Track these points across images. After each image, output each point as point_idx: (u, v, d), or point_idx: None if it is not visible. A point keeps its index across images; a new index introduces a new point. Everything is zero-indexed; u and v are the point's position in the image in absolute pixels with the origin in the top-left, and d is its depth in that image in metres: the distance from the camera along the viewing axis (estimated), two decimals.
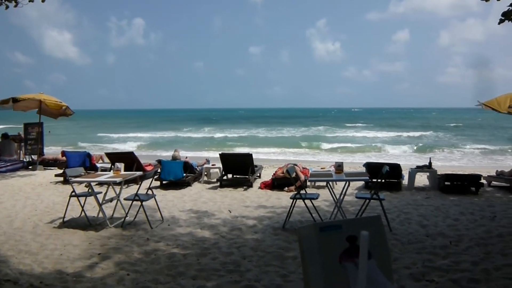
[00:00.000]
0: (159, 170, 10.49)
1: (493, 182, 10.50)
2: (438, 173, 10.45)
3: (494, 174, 10.65)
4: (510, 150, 22.87)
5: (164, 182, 10.68)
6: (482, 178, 9.92)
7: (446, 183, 9.89)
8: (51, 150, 20.87)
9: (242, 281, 4.50)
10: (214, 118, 70.00)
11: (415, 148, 24.88)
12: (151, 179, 7.49)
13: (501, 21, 5.87)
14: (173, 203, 8.68)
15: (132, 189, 9.53)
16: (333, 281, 0.85)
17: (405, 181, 10.53)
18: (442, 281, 4.44)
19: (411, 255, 5.33)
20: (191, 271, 4.81)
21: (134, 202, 6.90)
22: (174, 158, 11.12)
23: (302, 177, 9.94)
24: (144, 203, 6.87)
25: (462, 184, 9.77)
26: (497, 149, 23.61)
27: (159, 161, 11.76)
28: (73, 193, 7.03)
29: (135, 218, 7.15)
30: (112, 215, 7.37)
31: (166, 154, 18.61)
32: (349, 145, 26.96)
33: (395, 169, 9.83)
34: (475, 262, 5.04)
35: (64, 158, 13.41)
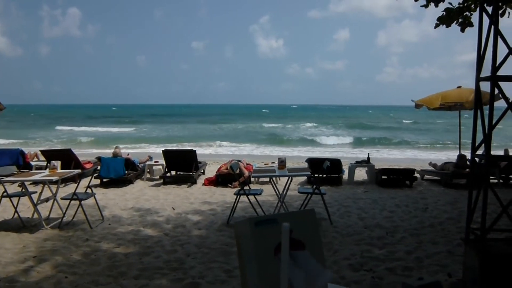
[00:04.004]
0: (98, 168, 10.16)
1: (426, 175, 11.14)
2: (376, 167, 10.92)
3: (427, 167, 11.30)
4: (440, 146, 24.31)
5: (104, 180, 10.35)
6: (416, 172, 10.51)
7: (383, 177, 10.37)
8: None
9: (186, 279, 4.47)
10: (157, 113, 68.47)
11: (353, 143, 25.81)
12: (90, 177, 7.24)
13: (436, 26, 6.22)
14: (114, 202, 8.44)
15: (70, 188, 9.15)
16: (269, 275, 0.87)
17: (345, 175, 10.90)
18: (379, 270, 4.67)
19: (350, 247, 5.55)
20: (133, 271, 4.72)
21: (72, 202, 6.63)
22: (115, 155, 10.81)
23: (246, 173, 10.01)
24: (83, 202, 6.63)
25: (398, 178, 10.28)
26: (430, 144, 25.04)
27: (99, 158, 11.36)
28: (5, 194, 6.64)
29: (73, 218, 6.87)
30: (48, 215, 7.05)
31: (106, 151, 18.01)
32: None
33: (336, 164, 10.16)
34: (409, 251, 5.34)
35: None
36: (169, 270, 4.74)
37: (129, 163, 10.80)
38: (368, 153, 11.61)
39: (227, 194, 9.19)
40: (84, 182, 7.32)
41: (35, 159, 12.52)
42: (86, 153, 17.43)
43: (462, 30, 6.09)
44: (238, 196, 6.92)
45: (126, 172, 10.48)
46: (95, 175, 9.41)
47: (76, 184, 6.85)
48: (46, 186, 7.26)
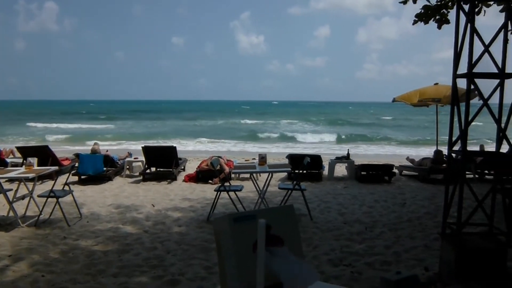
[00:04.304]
0: (76, 165, 9.99)
1: (404, 171, 11.31)
2: (356, 163, 11.04)
3: (406, 163, 11.48)
4: (418, 142, 24.71)
5: (82, 177, 10.19)
6: (394, 167, 10.66)
7: (362, 173, 10.49)
8: None
9: (166, 276, 4.45)
10: (136, 109, 67.59)
11: (334, 139, 26.04)
12: (68, 174, 7.11)
13: (415, 22, 6.31)
14: (92, 199, 8.32)
15: (47, 186, 8.96)
16: (248, 271, 0.87)
17: (325, 171, 10.98)
18: (358, 265, 4.72)
19: (330, 242, 5.60)
20: (112, 269, 4.66)
21: (49, 199, 6.51)
22: (94, 151, 10.64)
23: (227, 169, 9.99)
24: (60, 199, 6.51)
25: (377, 174, 10.42)
26: (408, 140, 25.44)
27: (77, 155, 11.19)
28: None
29: (50, 216, 6.75)
30: (25, 213, 6.91)
31: (84, 148, 17.72)
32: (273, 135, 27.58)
33: (316, 160, 10.22)
34: (388, 245, 5.42)
35: None
36: (149, 268, 4.71)
37: (108, 160, 10.66)
38: (348, 149, 11.71)
39: (207, 191, 9.16)
40: (62, 179, 7.19)
41: (11, 156, 12.23)
42: (64, 150, 17.14)
43: (439, 27, 6.19)
44: (219, 192, 6.91)
45: (105, 168, 10.34)
46: (73, 172, 9.26)
47: (53, 182, 6.72)
48: (22, 183, 7.10)
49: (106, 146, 14.69)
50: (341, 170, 11.64)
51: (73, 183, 9.77)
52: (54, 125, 36.93)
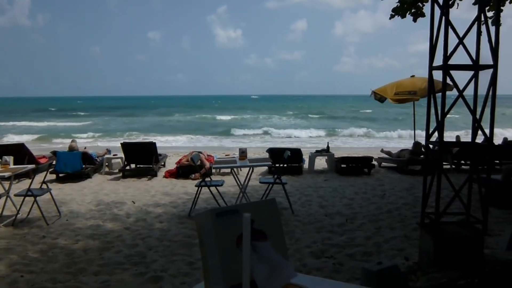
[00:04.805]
0: (54, 162, 9.81)
1: (383, 163, 11.47)
2: (335, 156, 11.14)
3: (384, 155, 11.64)
4: (396, 133, 25.06)
5: (60, 175, 10.02)
6: (373, 160, 10.80)
7: (342, 165, 10.59)
8: None
9: (148, 273, 4.42)
10: (112, 106, 66.43)
11: (315, 132, 26.19)
12: (45, 172, 6.98)
13: (391, 16, 6.38)
14: (71, 197, 8.19)
15: (24, 184, 8.79)
16: (232, 265, 0.87)
17: (305, 165, 11.05)
18: (340, 257, 4.78)
19: (312, 234, 5.65)
20: (93, 267, 4.61)
21: (27, 198, 6.37)
22: (71, 149, 10.47)
23: (207, 164, 9.96)
24: (38, 198, 6.39)
25: (357, 166, 10.53)
26: (387, 132, 25.77)
27: (54, 153, 10.98)
28: None
29: (28, 215, 6.62)
30: (1, 213, 6.75)
31: (62, 146, 17.40)
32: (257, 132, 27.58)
33: (296, 153, 10.27)
34: (368, 236, 5.50)
35: None
36: (131, 265, 4.67)
37: (86, 157, 10.50)
38: (328, 142, 11.81)
39: (188, 186, 9.12)
40: (39, 177, 7.06)
41: None
42: (40, 148, 16.79)
43: (415, 20, 6.28)
44: (200, 187, 6.89)
45: (83, 166, 10.18)
46: (50, 170, 9.09)
47: (30, 180, 6.59)
48: None
49: (83, 144, 14.47)
50: (321, 163, 11.73)
51: (51, 181, 9.60)
52: (21, 123, 35.62)
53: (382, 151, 11.88)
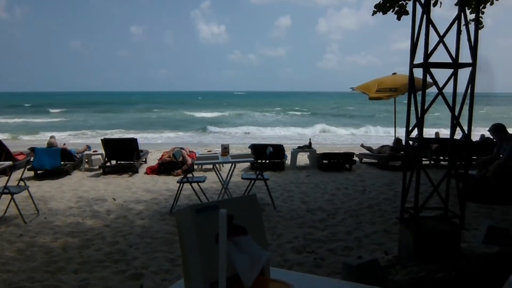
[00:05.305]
0: (32, 159, 9.63)
1: (364, 159, 11.59)
2: (317, 152, 11.20)
3: (363, 150, 11.76)
4: (377, 130, 25.34)
5: (38, 172, 9.83)
6: (355, 155, 10.90)
7: (324, 161, 10.66)
8: None
9: (129, 270, 4.37)
10: (94, 101, 65.35)
11: (297, 129, 26.31)
12: (23, 169, 6.83)
13: (374, 13, 6.42)
14: (50, 194, 8.05)
15: (0, 182, 8.61)
16: (212, 262, 0.86)
17: (288, 161, 11.09)
18: (321, 252, 4.82)
19: (294, 230, 5.68)
20: (72, 265, 4.54)
21: (3, 196, 6.23)
22: (50, 145, 10.28)
23: (189, 160, 9.91)
24: (15, 196, 6.26)
25: (338, 162, 10.62)
26: (368, 129, 26.05)
27: (32, 149, 10.77)
28: None
29: (4, 213, 6.48)
30: None
31: (39, 142, 17.06)
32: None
33: (279, 149, 10.30)
34: (349, 231, 5.56)
35: None
36: (111, 262, 4.61)
37: (65, 154, 10.32)
38: (310, 138, 11.87)
39: (170, 183, 9.06)
40: (16, 174, 6.91)
41: None
42: (18, 144, 16.45)
43: (398, 18, 6.34)
44: (181, 184, 6.85)
45: (62, 163, 10.01)
46: (28, 167, 8.91)
47: (7, 177, 6.44)
48: None
49: (63, 139, 14.22)
50: (303, 159, 11.79)
51: (29, 178, 9.41)
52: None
53: (362, 146, 12.00)
